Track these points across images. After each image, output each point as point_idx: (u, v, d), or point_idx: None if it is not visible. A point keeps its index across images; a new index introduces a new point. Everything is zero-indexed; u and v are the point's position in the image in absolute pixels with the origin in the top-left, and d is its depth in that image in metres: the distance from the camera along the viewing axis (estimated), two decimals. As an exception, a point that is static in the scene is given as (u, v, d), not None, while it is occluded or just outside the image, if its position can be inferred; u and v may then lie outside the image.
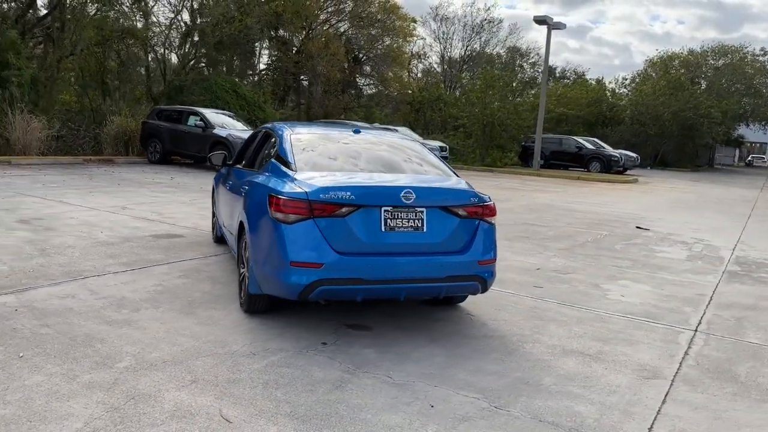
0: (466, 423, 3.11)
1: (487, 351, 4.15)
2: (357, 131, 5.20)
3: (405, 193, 4.00)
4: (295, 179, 4.15)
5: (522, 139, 27.82)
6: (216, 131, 15.87)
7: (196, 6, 22.99)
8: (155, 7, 22.95)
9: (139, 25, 20.65)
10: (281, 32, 26.40)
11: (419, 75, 43.58)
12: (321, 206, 3.88)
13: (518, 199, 14.32)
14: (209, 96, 20.51)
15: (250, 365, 3.63)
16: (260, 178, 4.61)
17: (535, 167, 24.94)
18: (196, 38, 22.51)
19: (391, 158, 4.81)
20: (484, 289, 4.36)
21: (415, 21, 34.86)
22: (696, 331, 4.93)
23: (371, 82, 34.96)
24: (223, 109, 20.33)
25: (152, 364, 3.56)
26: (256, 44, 24.72)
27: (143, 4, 20.35)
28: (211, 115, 16.72)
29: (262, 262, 4.12)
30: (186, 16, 22.73)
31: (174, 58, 23.77)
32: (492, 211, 4.41)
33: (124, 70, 20.94)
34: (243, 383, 3.39)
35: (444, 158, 23.68)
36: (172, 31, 22.22)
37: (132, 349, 3.76)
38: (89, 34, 18.18)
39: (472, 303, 5.20)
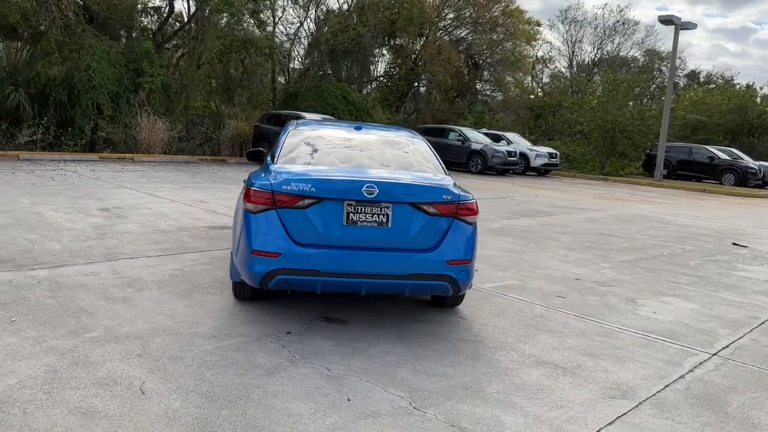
0: (369, 419, 3.05)
1: (450, 354, 4.01)
2: (359, 128, 5.24)
3: (367, 187, 3.99)
4: (271, 171, 4.27)
5: (648, 147, 26.04)
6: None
7: (319, 17, 24.08)
8: (281, 17, 24.41)
9: (256, 33, 21.95)
10: (397, 40, 26.83)
11: (545, 80, 42.27)
12: (283, 197, 3.97)
13: (612, 209, 13.47)
14: (320, 102, 21.38)
15: (201, 346, 3.81)
16: (254, 171, 4.80)
17: (657, 177, 23.25)
18: (313, 48, 23.56)
19: (382, 154, 4.80)
20: (457, 291, 4.21)
21: (539, 24, 33.92)
22: (714, 355, 4.41)
23: (490, 87, 34.46)
24: (332, 114, 21.13)
25: (116, 337, 3.84)
26: (375, 51, 25.33)
27: (269, 15, 21.66)
28: (310, 118, 17.41)
29: (236, 251, 4.30)
30: (308, 26, 23.88)
31: (295, 64, 25.05)
32: (471, 211, 4.26)
33: (246, 77, 22.38)
34: (183, 361, 3.56)
35: (553, 165, 22.98)
36: (291, 41, 23.44)
37: (109, 323, 4.08)
38: (214, 44, 19.66)
39: (470, 306, 5.05)
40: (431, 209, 4.09)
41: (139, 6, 19.56)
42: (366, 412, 3.11)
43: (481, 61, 31.17)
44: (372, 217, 4.01)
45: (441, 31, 28.88)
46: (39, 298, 4.47)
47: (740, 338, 4.86)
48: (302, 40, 24.62)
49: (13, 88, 16.85)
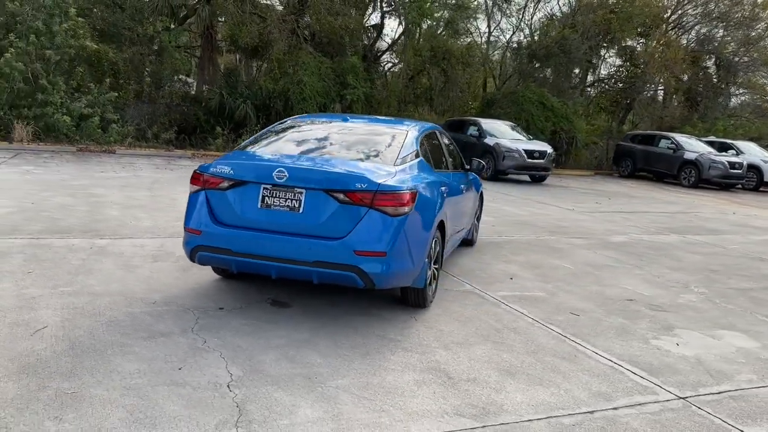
0: (172, 387, 3.18)
1: (345, 347, 3.89)
2: (344, 118, 5.29)
3: (277, 171, 4.07)
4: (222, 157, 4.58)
5: None
6: (486, 140, 16.28)
7: (522, 22, 23.67)
8: (495, 25, 24.54)
9: (458, 43, 22.30)
10: (616, 42, 24.91)
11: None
12: (209, 179, 4.26)
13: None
14: (515, 108, 20.96)
15: (130, 308, 4.27)
16: None
17: None
18: (515, 53, 23.17)
19: (339, 143, 4.77)
20: (369, 283, 4.03)
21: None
22: (683, 399, 3.55)
23: (742, 90, 29.95)
24: (526, 122, 20.56)
25: (79, 293, 4.50)
26: (586, 54, 23.90)
27: (469, 24, 21.97)
28: (488, 124, 17.18)
29: (187, 228, 4.66)
30: (512, 32, 23.60)
31: (500, 71, 24.91)
32: (394, 202, 4.04)
33: (448, 86, 22.92)
34: (98, 317, 4.06)
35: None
36: (493, 48, 23.35)
37: (91, 282, 4.78)
38: (412, 56, 20.60)
39: (442, 309, 4.75)
40: (343, 197, 3.99)
41: (352, 26, 21.23)
42: (177, 381, 3.24)
43: (732, 61, 27.29)
44: (285, 201, 4.07)
45: (673, 29, 26.05)
46: (70, 259, 5.37)
47: (751, 388, 3.77)
48: (506, 46, 24.31)
49: (243, 100, 19.65)
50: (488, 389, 3.44)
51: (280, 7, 21.52)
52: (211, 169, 4.26)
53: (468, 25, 23.36)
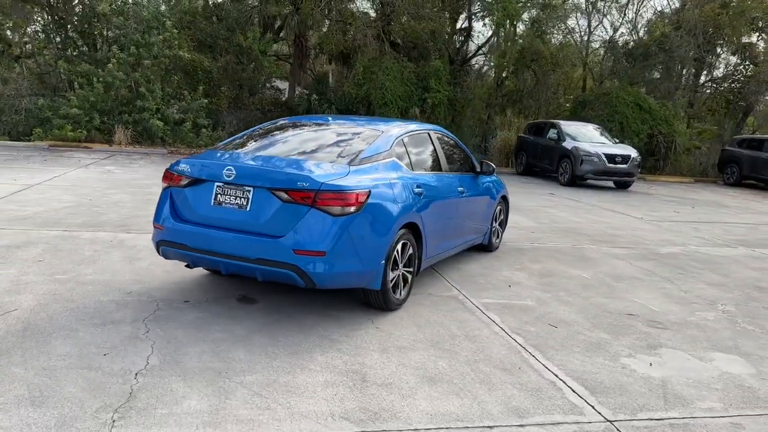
0: (79, 370, 3.39)
1: (279, 345, 3.94)
2: (326, 120, 5.32)
3: (226, 170, 4.20)
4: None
5: None
6: (565, 144, 15.63)
7: (619, 21, 22.50)
8: (597, 24, 23.56)
9: (549, 44, 21.57)
10: (727, 41, 22.98)
11: None
12: (172, 176, 4.47)
13: None
14: (607, 110, 19.98)
15: (102, 297, 4.57)
16: None
17: None
18: (610, 53, 22.05)
19: (310, 144, 4.82)
20: (309, 282, 4.04)
21: None
22: (609, 422, 3.27)
23: None
24: (620, 124, 19.54)
25: (70, 280, 4.88)
26: (692, 53, 22.26)
27: (556, 26, 21.23)
28: (569, 127, 16.48)
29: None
30: (610, 31, 22.49)
31: (597, 72, 23.82)
32: (337, 201, 4.03)
33: (537, 88, 22.25)
34: (67, 303, 4.38)
35: None
36: (587, 49, 22.35)
37: (87, 271, 5.17)
38: (496, 58, 20.23)
39: (410, 312, 4.67)
40: (285, 195, 4.04)
41: (438, 30, 21.16)
42: (93, 366, 3.44)
43: None
44: (235, 199, 4.19)
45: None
46: (84, 250, 5.83)
47: (704, 417, 3.39)
48: (605, 45, 23.18)
49: (328, 105, 20.23)
50: (396, 395, 3.34)
51: (372, 14, 21.90)
52: (175, 167, 4.47)
53: (560, 25, 22.52)
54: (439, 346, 4.11)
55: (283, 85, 22.89)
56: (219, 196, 4.24)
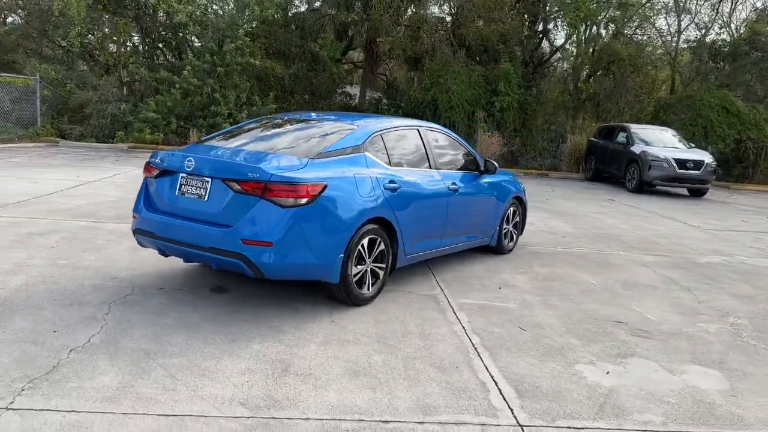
0: (24, 343, 3.64)
1: (224, 334, 4.02)
2: (310, 116, 5.37)
3: (187, 161, 4.35)
4: (178, 150, 5.00)
5: None
6: (633, 148, 14.87)
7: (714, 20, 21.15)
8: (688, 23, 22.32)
9: (628, 45, 20.60)
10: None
11: None
12: (148, 168, 4.70)
13: None
14: (690, 114, 18.85)
15: (79, 280, 4.86)
16: None
17: None
18: (696, 53, 20.74)
19: (283, 137, 4.91)
20: (257, 272, 4.09)
21: None
22: (525, 427, 3.11)
23: None
24: (704, 128, 18.38)
25: (65, 265, 5.23)
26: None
27: (635, 27, 20.27)
28: (640, 131, 15.65)
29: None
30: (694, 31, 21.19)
31: (684, 73, 22.53)
32: (286, 193, 4.06)
33: (617, 91, 21.32)
34: (49, 284, 4.70)
35: None
36: (674, 50, 21.14)
37: (89, 258, 5.50)
38: (575, 64, 19.60)
39: (378, 309, 4.65)
40: (237, 186, 4.13)
41: (509, 32, 20.76)
42: (37, 341, 3.66)
43: None
44: (195, 189, 4.34)
45: None
46: (98, 239, 6.21)
47: (632, 430, 3.14)
48: (693, 44, 21.84)
49: (395, 110, 20.36)
50: (309, 386, 3.33)
51: (443, 18, 21.84)
52: (151, 159, 4.68)
53: (643, 24, 21.45)
54: (386, 341, 4.04)
55: (355, 90, 23.26)
56: (183, 186, 4.39)
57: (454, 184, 5.66)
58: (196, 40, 18.17)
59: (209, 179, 4.26)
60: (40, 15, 19.79)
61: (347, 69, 23.15)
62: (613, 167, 15.67)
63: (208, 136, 5.29)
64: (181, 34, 18.27)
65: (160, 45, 18.85)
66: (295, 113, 5.82)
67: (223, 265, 4.24)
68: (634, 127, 15.78)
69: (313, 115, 5.55)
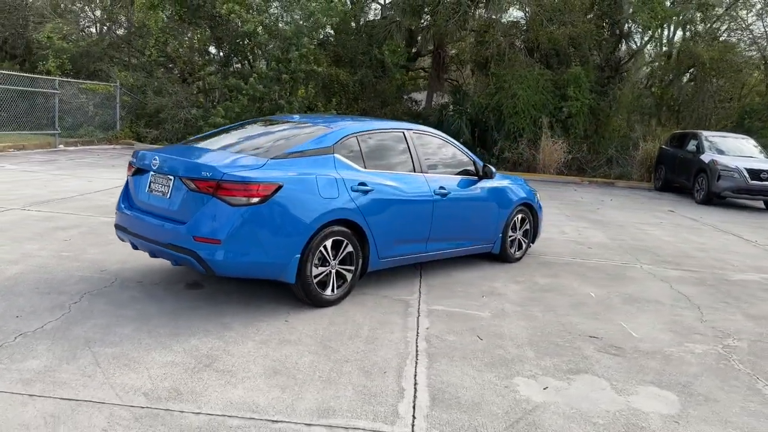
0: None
1: (171, 327, 4.14)
2: (291, 118, 5.44)
3: (153, 160, 4.55)
4: (165, 150, 5.22)
5: None
6: (703, 156, 13.97)
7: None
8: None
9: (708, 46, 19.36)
10: None
11: None
12: (129, 166, 4.95)
13: None
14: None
15: (70, 271, 5.17)
16: None
17: None
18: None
19: (255, 139, 5.01)
20: (207, 269, 4.19)
21: None
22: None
23: None
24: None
25: (66, 257, 5.58)
26: None
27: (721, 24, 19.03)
28: (714, 138, 14.65)
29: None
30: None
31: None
32: (236, 192, 4.13)
33: (698, 96, 20.11)
34: (39, 270, 5.04)
35: None
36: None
37: (93, 251, 5.85)
38: (650, 68, 18.70)
39: (338, 311, 4.65)
40: (192, 184, 4.27)
41: (581, 35, 20.06)
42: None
43: None
44: (161, 187, 4.52)
45: None
46: (110, 235, 6.56)
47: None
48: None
49: (458, 115, 20.24)
50: (221, 382, 3.38)
51: (513, 21, 21.43)
52: (131, 159, 4.91)
53: (732, 26, 20.09)
54: (328, 343, 4.02)
55: (422, 96, 23.25)
56: (152, 184, 4.58)
57: (442, 188, 5.55)
58: (264, 48, 18.78)
59: (171, 177, 4.41)
60: (126, 26, 21.23)
61: (414, 75, 23.15)
62: (683, 177, 14.76)
63: (193, 137, 5.47)
64: (250, 43, 18.95)
65: (232, 53, 19.65)
66: (282, 116, 5.89)
67: (180, 261, 4.37)
68: (708, 135, 14.79)
69: (296, 117, 5.60)
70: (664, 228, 9.94)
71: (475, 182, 6.02)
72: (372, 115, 20.48)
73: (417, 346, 4.09)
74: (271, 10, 19.11)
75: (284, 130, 5.19)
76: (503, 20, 20.88)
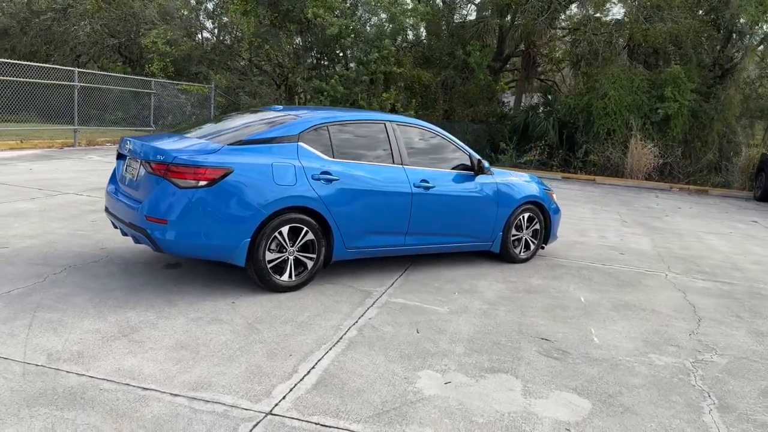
0: None
1: (114, 301, 4.42)
2: (274, 109, 5.55)
3: (128, 145, 4.87)
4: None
5: None
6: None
7: None
8: None
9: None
10: None
11: None
12: (117, 153, 5.33)
13: None
14: None
15: (72, 248, 5.64)
16: None
17: None
18: None
19: (228, 126, 5.16)
20: (155, 247, 4.41)
21: None
22: (273, 414, 3.07)
23: None
24: None
25: (81, 235, 6.11)
26: None
27: None
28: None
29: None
30: None
31: None
32: (183, 175, 4.32)
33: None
34: (46, 245, 5.55)
35: None
36: None
37: (107, 232, 6.34)
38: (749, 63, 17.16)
39: (290, 297, 4.76)
40: (149, 167, 4.53)
41: (677, 35, 18.69)
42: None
43: None
44: (132, 170, 4.82)
45: None
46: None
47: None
48: None
49: (545, 117, 19.64)
50: (124, 350, 3.55)
51: (614, 18, 20.42)
52: (119, 145, 5.28)
53: None
54: (256, 325, 4.10)
55: (509, 97, 22.72)
56: (127, 168, 4.90)
57: (425, 181, 5.45)
58: (349, 51, 19.21)
59: (139, 161, 4.69)
60: (223, 31, 22.59)
61: (502, 76, 22.63)
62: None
63: (183, 126, 5.76)
64: (336, 46, 19.47)
65: (319, 56, 20.28)
66: (270, 107, 6.00)
67: (138, 240, 4.64)
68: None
69: (279, 107, 5.70)
70: (729, 239, 9.06)
71: (470, 177, 5.85)
72: (455, 116, 20.33)
73: (345, 334, 4.06)
74: (359, 12, 19.50)
75: (260, 119, 5.32)
76: (597, 16, 19.93)
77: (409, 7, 19.19)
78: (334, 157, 5.01)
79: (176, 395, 3.08)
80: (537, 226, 6.47)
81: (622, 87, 17.99)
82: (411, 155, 5.52)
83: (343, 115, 5.34)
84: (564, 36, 20.94)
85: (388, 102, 18.33)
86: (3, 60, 13.12)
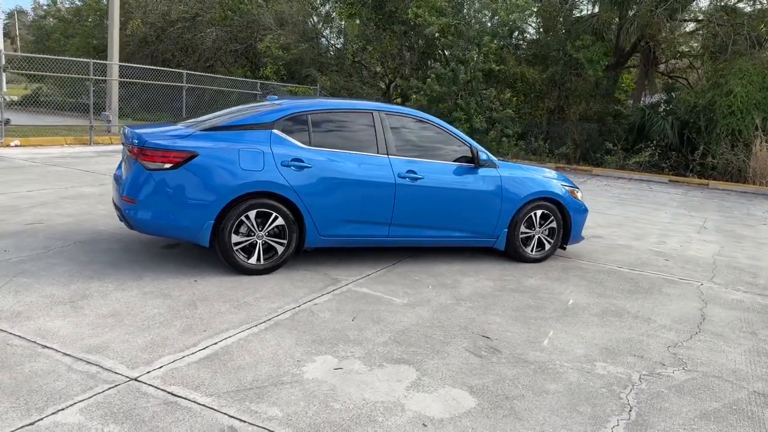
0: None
1: (85, 279, 4.83)
2: (273, 98, 5.70)
3: (123, 131, 5.28)
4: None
5: None
6: None
7: None
8: None
9: None
10: None
11: None
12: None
13: None
14: None
15: (86, 226, 6.21)
16: None
17: None
18: None
19: (217, 114, 5.37)
20: (129, 226, 4.78)
21: None
22: (137, 379, 3.24)
23: None
24: None
25: (103, 215, 6.71)
26: None
27: None
28: None
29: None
30: None
31: None
32: (147, 157, 4.59)
33: None
34: (62, 223, 6.18)
35: None
36: None
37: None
38: None
39: (256, 279, 4.93)
40: (128, 152, 4.90)
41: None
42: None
43: None
44: (125, 156, 5.23)
45: None
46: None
47: None
48: None
49: (663, 116, 18.29)
50: (58, 314, 3.85)
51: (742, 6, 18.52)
52: (123, 134, 5.72)
53: None
54: (197, 302, 4.25)
55: (628, 94, 21.31)
56: (123, 154, 5.31)
57: (412, 172, 5.34)
58: (447, 50, 19.07)
59: (130, 146, 5.06)
60: (332, 34, 23.43)
61: (622, 72, 21.24)
62: None
63: (184, 117, 6.09)
64: (438, 45, 19.43)
65: (421, 56, 20.34)
66: (270, 98, 6.10)
67: (120, 219, 5.00)
68: None
69: (274, 98, 5.82)
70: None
71: (470, 170, 5.63)
72: (564, 115, 19.39)
73: (278, 316, 4.11)
74: (464, 10, 19.29)
75: (247, 107, 5.49)
76: (728, 5, 18.13)
77: (521, 2, 18.57)
78: (311, 145, 5.05)
79: (67, 354, 3.30)
80: (553, 225, 6.06)
81: (751, 83, 16.24)
82: (401, 146, 5.42)
83: (328, 104, 5.38)
84: (688, 30, 19.22)
85: (488, 101, 17.95)
86: (135, 66, 14.63)
